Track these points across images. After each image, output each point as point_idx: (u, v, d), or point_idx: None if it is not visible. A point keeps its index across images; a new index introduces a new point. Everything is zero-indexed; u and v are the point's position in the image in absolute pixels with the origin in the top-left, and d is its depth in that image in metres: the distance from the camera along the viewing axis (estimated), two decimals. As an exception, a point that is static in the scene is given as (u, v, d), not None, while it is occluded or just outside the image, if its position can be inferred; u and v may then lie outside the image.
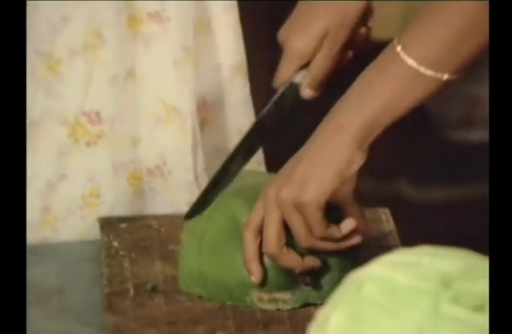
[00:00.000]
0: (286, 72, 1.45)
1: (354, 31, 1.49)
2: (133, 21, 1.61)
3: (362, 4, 1.49)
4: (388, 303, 0.98)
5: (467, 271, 1.01)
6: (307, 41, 1.43)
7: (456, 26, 1.36)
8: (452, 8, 1.36)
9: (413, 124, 1.52)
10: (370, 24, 1.53)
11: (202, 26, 1.68)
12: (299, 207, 1.31)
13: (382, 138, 1.34)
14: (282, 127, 1.47)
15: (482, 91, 3.00)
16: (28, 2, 1.60)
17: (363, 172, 1.34)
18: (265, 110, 1.44)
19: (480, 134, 2.98)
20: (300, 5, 1.48)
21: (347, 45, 1.48)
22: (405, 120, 1.39)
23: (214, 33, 1.68)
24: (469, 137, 3.01)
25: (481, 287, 0.99)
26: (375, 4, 1.57)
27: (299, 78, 1.44)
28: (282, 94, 1.45)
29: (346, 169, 1.33)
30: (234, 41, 1.69)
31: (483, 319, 0.96)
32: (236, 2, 1.71)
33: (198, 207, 1.45)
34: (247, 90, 1.73)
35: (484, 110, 3.00)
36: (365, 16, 1.51)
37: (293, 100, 1.47)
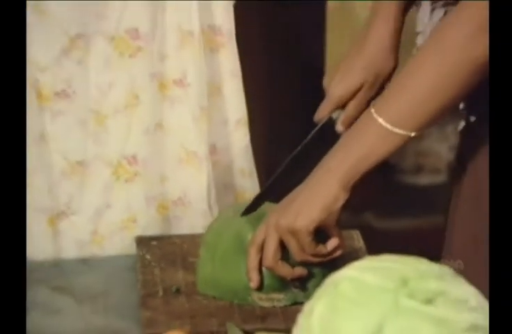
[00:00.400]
0: (325, 110, 1.44)
1: (384, 84, 1.47)
2: (162, 86, 1.59)
3: (393, 65, 1.47)
4: (358, 298, 0.98)
5: (420, 272, 1.01)
6: (345, 89, 1.43)
7: (420, 92, 1.33)
8: (417, 75, 1.33)
9: (377, 170, 1.52)
10: None
11: (214, 90, 1.65)
12: (294, 232, 1.31)
13: (362, 181, 1.33)
14: (321, 156, 1.40)
15: (430, 144, 2.88)
16: (80, 72, 1.58)
17: (345, 206, 1.33)
18: (307, 139, 1.41)
19: (428, 179, 2.90)
20: (344, 59, 1.48)
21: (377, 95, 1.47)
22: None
23: (223, 95, 1.65)
24: (419, 181, 2.92)
25: (431, 285, 0.99)
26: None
27: (336, 115, 1.43)
28: (322, 125, 1.44)
29: (333, 205, 1.32)
30: (238, 101, 1.66)
31: (433, 310, 0.97)
32: (240, 70, 1.66)
33: (251, 208, 1.41)
34: (247, 138, 1.71)
35: (431, 160, 2.91)
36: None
37: (330, 132, 1.44)
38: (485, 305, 1.03)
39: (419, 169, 2.91)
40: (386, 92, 1.36)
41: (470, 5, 1.28)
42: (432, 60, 1.32)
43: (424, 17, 1.45)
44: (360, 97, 1.45)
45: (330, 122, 1.43)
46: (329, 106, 1.43)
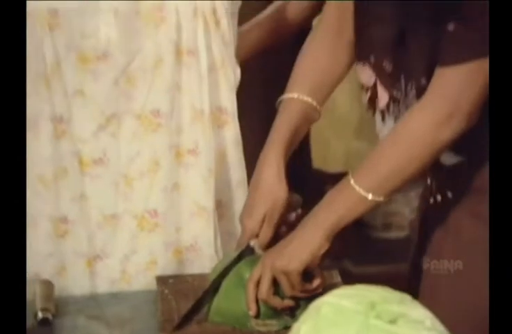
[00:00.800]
0: (243, 241, 1.41)
1: (284, 210, 1.41)
2: (178, 154, 1.55)
3: (285, 196, 1.41)
4: (336, 319, 0.98)
5: (385, 298, 1.01)
6: (253, 222, 1.40)
7: (391, 167, 1.31)
8: (390, 153, 1.31)
9: (354, 226, 1.52)
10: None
11: (220, 157, 1.60)
12: (286, 273, 1.30)
13: (340, 234, 1.31)
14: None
15: (396, 207, 2.89)
16: (113, 143, 1.55)
17: (326, 253, 1.32)
18: (229, 262, 1.38)
19: (395, 234, 2.90)
20: (247, 197, 1.44)
21: (281, 218, 1.41)
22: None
23: (227, 161, 1.61)
24: (388, 235, 2.93)
25: (394, 308, 0.99)
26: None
27: (252, 243, 1.40)
28: (241, 252, 1.40)
29: (318, 251, 1.31)
30: (239, 166, 1.62)
31: (396, 329, 0.97)
32: (241, 141, 1.62)
33: (183, 321, 1.36)
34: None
35: (397, 219, 2.92)
36: (289, 202, 1.43)
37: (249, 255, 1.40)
38: (438, 326, 1.02)
39: (387, 226, 2.92)
40: (362, 167, 1.33)
41: (439, 95, 1.25)
42: (404, 142, 1.29)
43: (379, 123, 1.40)
44: (266, 226, 1.42)
45: (248, 249, 1.41)
46: (245, 238, 1.41)
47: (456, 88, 1.23)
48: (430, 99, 1.25)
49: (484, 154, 1.23)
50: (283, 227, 1.41)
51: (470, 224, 1.34)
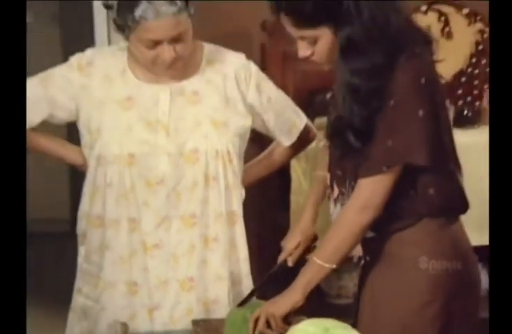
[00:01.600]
0: (282, 257, 1.76)
1: (310, 242, 1.73)
2: (206, 241, 1.82)
3: (313, 231, 1.73)
4: None
5: (335, 325, 1.43)
6: (292, 244, 1.76)
7: (337, 243, 1.55)
8: (335, 233, 1.55)
9: (316, 295, 1.71)
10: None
11: (232, 243, 1.88)
12: (273, 316, 1.59)
13: (312, 293, 1.58)
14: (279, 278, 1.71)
15: (345, 282, 3.02)
16: (163, 233, 1.79)
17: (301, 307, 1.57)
18: (272, 271, 1.70)
19: (346, 301, 3.01)
20: (289, 230, 1.75)
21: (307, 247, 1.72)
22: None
23: (236, 245, 1.87)
24: (340, 302, 3.04)
25: (341, 331, 1.40)
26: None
27: (289, 259, 1.76)
28: (280, 264, 1.73)
29: (296, 304, 1.60)
30: (243, 248, 1.89)
31: None
32: (245, 235, 1.86)
33: (243, 302, 1.73)
34: (249, 277, 1.95)
35: (346, 290, 3.01)
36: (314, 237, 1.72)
37: (285, 268, 1.72)
38: None
39: (339, 295, 3.08)
40: (319, 247, 1.62)
41: (358, 197, 1.51)
42: (340, 226, 1.54)
43: (332, 208, 1.69)
44: (298, 249, 1.73)
45: (285, 263, 1.72)
46: (284, 255, 1.74)
47: (369, 192, 1.49)
48: (355, 198, 1.52)
49: (392, 229, 1.52)
50: (307, 254, 1.70)
51: (380, 284, 1.59)
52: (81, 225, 1.86)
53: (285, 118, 1.87)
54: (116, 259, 1.81)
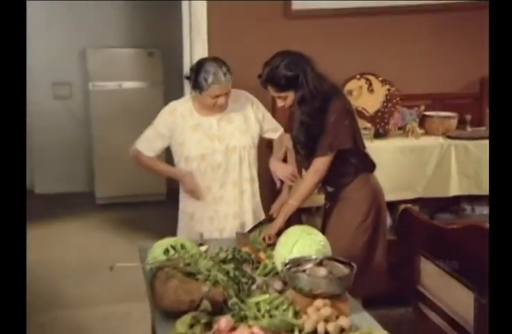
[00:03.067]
0: (271, 212, 2.95)
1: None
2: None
3: (288, 200, 2.89)
4: (289, 232, 2.29)
5: (310, 229, 2.34)
6: (276, 206, 3.02)
7: (304, 190, 2.75)
8: (304, 184, 2.78)
9: None
10: None
11: (253, 196, 3.13)
12: (271, 235, 2.63)
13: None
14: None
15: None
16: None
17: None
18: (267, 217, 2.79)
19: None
20: (276, 200, 2.98)
21: None
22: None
23: (255, 197, 3.17)
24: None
25: (314, 231, 2.27)
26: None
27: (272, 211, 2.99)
28: (269, 216, 2.89)
29: (281, 226, 2.72)
30: (257, 200, 3.17)
31: (313, 236, 2.20)
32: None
33: (253, 229, 2.76)
34: (258, 214, 3.14)
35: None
36: None
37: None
38: (327, 243, 2.13)
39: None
40: (292, 193, 2.66)
41: (312, 166, 2.77)
42: (304, 182, 2.76)
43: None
44: (279, 209, 2.83)
45: (271, 215, 2.80)
46: (271, 211, 2.82)
47: (319, 164, 2.72)
48: (311, 167, 2.75)
49: (342, 183, 2.80)
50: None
51: (335, 223, 2.79)
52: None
53: (273, 125, 3.24)
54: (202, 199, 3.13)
